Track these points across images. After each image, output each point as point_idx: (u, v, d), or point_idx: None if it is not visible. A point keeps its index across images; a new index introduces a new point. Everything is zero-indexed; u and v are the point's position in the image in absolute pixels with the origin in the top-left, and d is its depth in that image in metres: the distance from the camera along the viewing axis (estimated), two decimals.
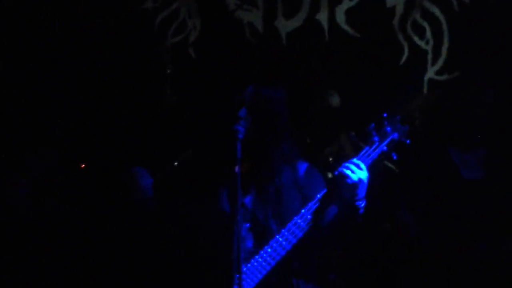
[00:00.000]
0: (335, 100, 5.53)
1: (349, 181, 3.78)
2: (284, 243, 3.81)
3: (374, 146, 3.86)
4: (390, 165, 4.82)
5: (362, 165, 3.81)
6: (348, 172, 3.78)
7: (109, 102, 5.77)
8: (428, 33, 5.68)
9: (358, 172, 3.79)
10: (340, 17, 5.80)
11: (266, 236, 3.87)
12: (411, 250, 4.88)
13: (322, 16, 5.81)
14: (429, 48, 5.69)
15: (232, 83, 5.25)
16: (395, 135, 3.88)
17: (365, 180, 3.81)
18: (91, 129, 5.73)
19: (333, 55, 5.76)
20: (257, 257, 3.82)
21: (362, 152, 3.86)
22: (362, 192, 3.83)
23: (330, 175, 4.46)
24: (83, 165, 5.58)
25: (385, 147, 3.88)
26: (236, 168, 3.66)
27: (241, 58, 5.80)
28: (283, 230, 3.82)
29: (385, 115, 3.91)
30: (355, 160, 3.83)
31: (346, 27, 5.79)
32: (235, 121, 3.81)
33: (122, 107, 5.78)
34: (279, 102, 4.05)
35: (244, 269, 3.77)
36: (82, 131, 5.70)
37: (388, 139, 3.88)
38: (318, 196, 3.84)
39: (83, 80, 5.78)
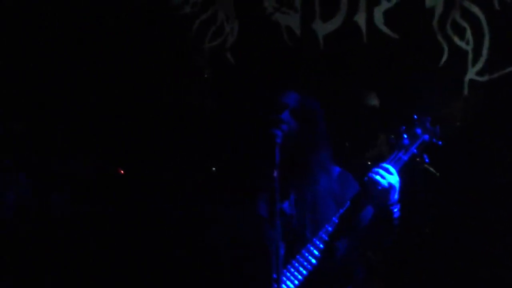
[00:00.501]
0: (373, 102, 5.49)
1: (379, 187, 3.73)
2: (315, 251, 3.78)
3: (404, 149, 3.82)
4: (431, 169, 4.77)
5: (392, 169, 3.77)
6: (377, 177, 3.74)
7: (149, 107, 5.79)
8: (468, 33, 5.60)
9: (388, 177, 3.74)
10: (379, 19, 5.74)
11: (300, 244, 3.83)
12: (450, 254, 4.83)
13: (360, 18, 5.76)
14: (469, 48, 5.61)
15: (270, 87, 5.23)
16: (426, 137, 3.83)
17: (397, 185, 3.76)
18: (131, 134, 5.75)
19: (372, 57, 5.71)
20: (289, 266, 3.79)
21: (392, 156, 3.82)
22: (394, 197, 3.78)
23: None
24: (122, 171, 5.60)
25: (415, 150, 3.83)
26: (275, 173, 3.65)
27: (279, 62, 5.78)
28: (314, 239, 3.79)
29: (415, 117, 3.86)
30: (384, 164, 3.78)
31: (384, 28, 5.73)
32: (275, 125, 3.81)
33: (162, 112, 5.79)
34: (319, 110, 4.03)
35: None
36: (121, 135, 5.72)
37: (419, 141, 3.83)
38: (348, 202, 3.80)
39: (123, 86, 5.80)
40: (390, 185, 3.73)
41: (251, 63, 5.85)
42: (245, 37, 5.95)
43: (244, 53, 5.92)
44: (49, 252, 5.23)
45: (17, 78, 5.65)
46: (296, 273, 3.78)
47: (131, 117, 5.78)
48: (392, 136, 3.92)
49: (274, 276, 3.52)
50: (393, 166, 3.78)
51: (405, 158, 3.82)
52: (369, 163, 5.24)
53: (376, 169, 3.76)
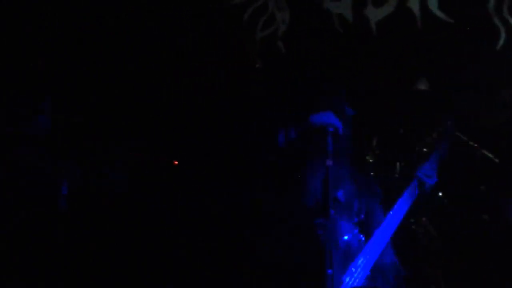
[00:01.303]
0: (424, 88, 5.40)
1: (427, 185, 4.05)
2: (385, 234, 3.76)
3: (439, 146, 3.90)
4: (490, 155, 4.69)
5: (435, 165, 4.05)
6: (430, 174, 4.06)
7: (199, 98, 5.78)
8: None
9: (435, 175, 4.07)
10: (433, 3, 5.62)
11: (366, 229, 3.83)
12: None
13: (414, 3, 5.64)
14: None
15: (322, 76, 5.17)
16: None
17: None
18: (184, 125, 5.75)
19: (426, 43, 5.59)
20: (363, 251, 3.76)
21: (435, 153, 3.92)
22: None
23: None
24: (176, 162, 5.60)
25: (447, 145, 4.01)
26: (328, 161, 3.61)
27: (331, 49, 5.71)
28: (382, 224, 3.79)
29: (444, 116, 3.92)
30: (431, 162, 4.11)
31: (439, 12, 5.61)
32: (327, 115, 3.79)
33: (213, 103, 5.77)
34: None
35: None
36: (175, 127, 5.73)
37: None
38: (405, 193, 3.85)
39: (175, 77, 5.80)
40: (435, 182, 4.07)
41: (303, 52, 5.79)
42: (296, 26, 5.88)
43: (296, 41, 5.86)
44: (106, 239, 5.25)
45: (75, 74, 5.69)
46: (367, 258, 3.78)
47: (183, 109, 5.77)
48: (449, 123, 3.96)
49: (329, 271, 3.48)
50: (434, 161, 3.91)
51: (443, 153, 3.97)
52: (425, 149, 5.17)
53: (426, 166, 4.12)
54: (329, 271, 3.50)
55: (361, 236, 3.87)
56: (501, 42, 5.48)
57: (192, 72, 5.81)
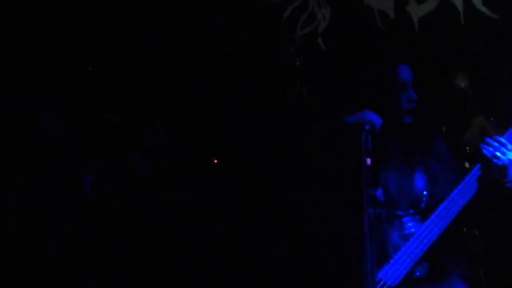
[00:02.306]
0: (466, 83, 5.30)
1: (500, 163, 3.65)
2: (435, 228, 3.66)
3: None
4: None
5: (510, 146, 3.68)
6: (497, 153, 3.65)
7: (239, 96, 5.75)
8: None
9: (508, 153, 3.66)
10: None
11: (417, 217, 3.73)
12: None
13: None
14: None
15: (363, 73, 5.10)
16: None
17: None
18: (223, 124, 5.73)
19: (470, 39, 5.48)
20: (407, 244, 3.67)
21: (510, 131, 3.69)
22: (511, 173, 3.69)
23: (467, 165, 4.27)
24: (216, 160, 5.58)
25: None
26: (368, 161, 3.54)
27: (373, 47, 5.62)
28: (433, 215, 3.68)
29: None
30: (502, 139, 3.68)
31: (483, 8, 5.49)
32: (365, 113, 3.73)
33: (253, 102, 5.74)
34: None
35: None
36: (214, 126, 5.71)
37: None
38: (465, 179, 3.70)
39: (219, 74, 5.78)
40: (510, 162, 3.66)
41: (344, 49, 5.72)
42: (337, 23, 5.81)
43: (337, 39, 5.79)
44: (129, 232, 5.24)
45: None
46: (410, 254, 3.67)
47: (223, 106, 5.75)
48: (492, 119, 3.82)
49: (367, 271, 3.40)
50: (510, 142, 3.68)
51: None
52: (467, 148, 5.07)
53: (494, 143, 3.68)
54: (368, 269, 3.42)
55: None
56: None
57: (233, 70, 5.78)
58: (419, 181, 3.82)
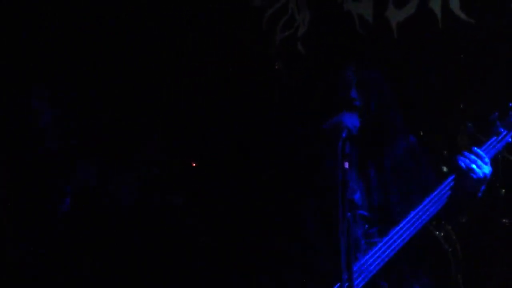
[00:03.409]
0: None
1: (474, 176, 3.62)
2: (404, 234, 3.66)
3: (500, 137, 3.68)
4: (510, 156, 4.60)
5: (487, 159, 3.65)
6: (474, 166, 3.62)
7: (218, 99, 5.75)
8: None
9: (483, 167, 3.63)
10: (454, 3, 5.53)
11: (386, 224, 3.73)
12: None
13: (435, 3, 5.57)
14: None
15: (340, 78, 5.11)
16: None
17: (489, 175, 3.66)
18: (202, 127, 5.72)
19: (447, 44, 5.52)
20: (375, 248, 3.67)
21: (488, 143, 3.69)
22: (483, 188, 3.69)
23: (445, 169, 4.28)
24: (194, 164, 5.57)
25: (510, 139, 3.70)
26: (346, 164, 3.54)
27: (351, 52, 5.65)
28: (403, 221, 3.67)
29: (510, 104, 3.72)
30: (480, 152, 3.65)
31: (460, 13, 5.53)
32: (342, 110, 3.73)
33: (232, 104, 5.74)
34: (379, 81, 3.92)
35: (362, 260, 3.64)
36: (192, 127, 5.69)
37: None
38: (438, 188, 3.67)
39: (192, 78, 5.78)
40: (485, 175, 3.64)
41: (323, 54, 5.74)
42: (317, 27, 5.83)
43: (315, 43, 5.81)
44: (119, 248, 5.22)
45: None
46: (382, 255, 3.66)
47: (202, 110, 5.75)
48: (470, 124, 3.80)
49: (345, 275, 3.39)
50: (486, 154, 3.65)
51: (500, 146, 3.71)
52: (445, 152, 5.09)
53: (471, 156, 3.63)
54: (345, 274, 3.42)
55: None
56: None
57: (211, 73, 5.78)
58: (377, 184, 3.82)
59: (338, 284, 3.40)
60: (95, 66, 5.58)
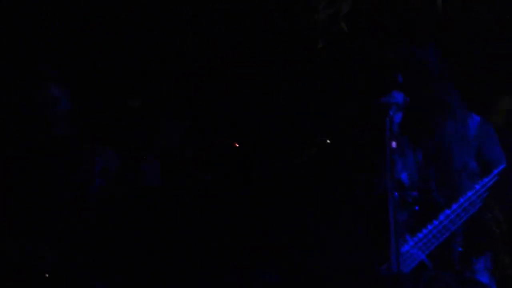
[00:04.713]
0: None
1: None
2: (455, 219, 3.59)
3: None
4: None
5: None
6: None
7: (261, 78, 5.70)
8: None
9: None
10: None
11: (432, 208, 3.66)
12: None
13: None
14: None
15: (386, 57, 5.03)
16: None
17: None
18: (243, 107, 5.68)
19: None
20: (424, 231, 3.60)
21: None
22: None
23: None
24: (237, 144, 5.53)
25: None
26: (393, 143, 3.49)
27: (395, 30, 5.55)
28: (454, 205, 3.60)
29: None
30: None
31: None
32: (389, 94, 3.67)
33: (277, 85, 5.69)
34: (428, 59, 3.84)
35: (408, 244, 3.58)
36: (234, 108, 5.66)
37: None
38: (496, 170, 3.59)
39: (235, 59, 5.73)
40: None
41: (366, 32, 5.65)
42: (360, 5, 5.74)
43: (359, 21, 5.73)
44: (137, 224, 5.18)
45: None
46: (433, 239, 3.60)
47: (243, 91, 5.71)
48: None
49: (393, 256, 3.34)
50: None
51: None
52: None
53: None
54: (393, 255, 3.37)
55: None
56: None
57: (254, 55, 5.74)
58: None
59: (386, 265, 3.34)
60: (111, 54, 5.57)
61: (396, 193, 3.47)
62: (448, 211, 3.60)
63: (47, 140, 5.10)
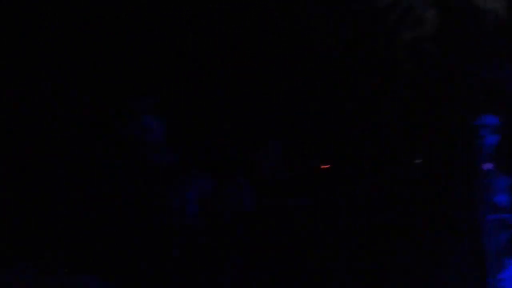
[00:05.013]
0: None
1: None
2: None
3: None
4: None
5: None
6: None
7: (345, 101, 5.69)
8: None
9: None
10: None
11: None
12: None
13: None
14: None
15: (473, 75, 4.97)
16: None
17: None
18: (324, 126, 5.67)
19: None
20: None
21: None
22: None
23: None
24: (327, 166, 5.53)
25: None
26: (488, 165, 3.44)
27: (481, 49, 5.47)
28: None
29: None
30: None
31: None
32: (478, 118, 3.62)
33: (363, 105, 5.67)
34: None
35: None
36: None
37: None
38: None
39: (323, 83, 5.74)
40: None
41: (454, 52, 5.58)
42: (445, 25, 5.68)
43: (445, 41, 5.67)
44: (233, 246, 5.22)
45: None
46: None
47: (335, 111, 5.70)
48: None
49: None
50: None
51: None
52: None
53: None
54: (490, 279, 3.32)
55: None
56: None
57: (341, 76, 5.73)
58: None
59: None
60: (203, 81, 5.63)
61: (492, 216, 3.41)
62: None
63: (143, 168, 5.21)
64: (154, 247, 5.01)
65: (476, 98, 3.88)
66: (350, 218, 5.18)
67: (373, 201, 5.15)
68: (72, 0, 5.33)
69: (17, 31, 5.31)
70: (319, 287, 5.03)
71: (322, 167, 5.56)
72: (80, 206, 5.05)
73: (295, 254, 5.12)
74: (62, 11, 5.33)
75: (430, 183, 4.35)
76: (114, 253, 4.98)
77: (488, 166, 3.41)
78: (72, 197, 5.09)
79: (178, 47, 5.56)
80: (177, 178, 5.16)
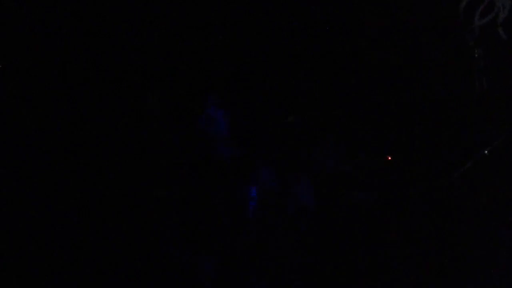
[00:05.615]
0: None
1: None
2: None
3: None
4: None
5: None
6: None
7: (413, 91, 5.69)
8: None
9: None
10: None
11: None
12: None
13: None
14: None
15: None
16: None
17: None
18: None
19: None
20: None
21: None
22: None
23: None
24: (389, 158, 5.56)
25: None
26: None
27: None
28: None
29: None
30: None
31: None
32: None
33: (430, 95, 5.66)
34: None
35: None
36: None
37: None
38: None
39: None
40: None
41: None
42: None
43: None
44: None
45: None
46: None
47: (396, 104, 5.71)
48: None
49: None
50: None
51: None
52: None
53: None
54: None
55: None
56: None
57: (406, 64, 5.72)
58: None
59: None
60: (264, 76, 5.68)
61: None
62: None
63: (208, 160, 5.33)
64: (217, 241, 5.14)
65: None
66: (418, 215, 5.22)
67: (443, 196, 5.19)
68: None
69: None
70: (383, 284, 5.10)
71: (388, 158, 5.59)
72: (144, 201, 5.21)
73: (359, 251, 5.20)
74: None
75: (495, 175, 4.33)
76: (177, 245, 5.12)
77: None
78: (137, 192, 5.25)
79: (245, 45, 5.63)
80: (241, 172, 5.27)
